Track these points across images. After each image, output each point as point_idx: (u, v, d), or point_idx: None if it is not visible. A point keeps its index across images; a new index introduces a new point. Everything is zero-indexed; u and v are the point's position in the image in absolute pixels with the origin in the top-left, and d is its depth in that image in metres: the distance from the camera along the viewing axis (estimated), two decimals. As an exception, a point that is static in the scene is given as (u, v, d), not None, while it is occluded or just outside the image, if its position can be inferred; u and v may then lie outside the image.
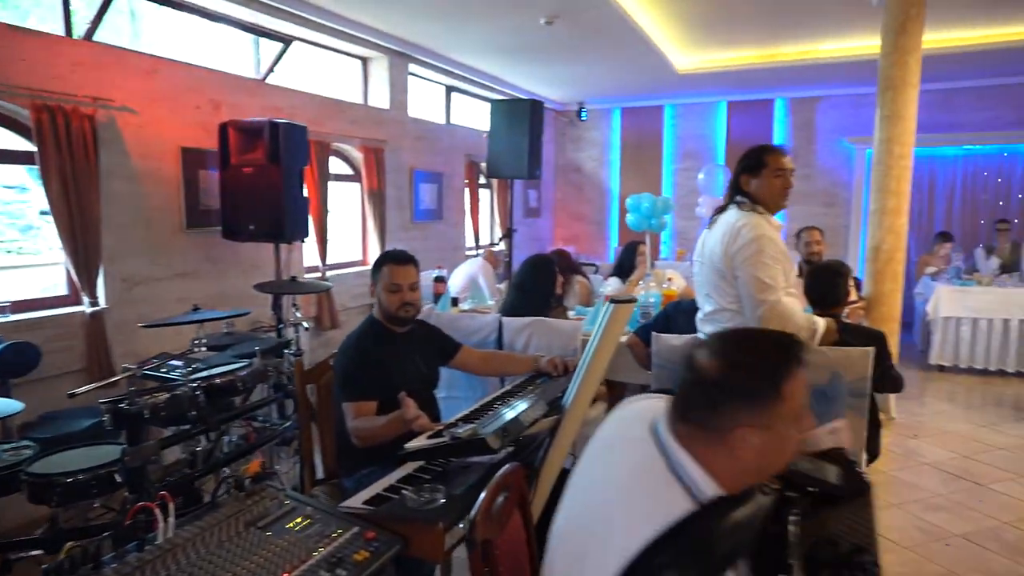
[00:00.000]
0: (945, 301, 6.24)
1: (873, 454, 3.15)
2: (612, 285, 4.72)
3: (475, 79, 7.44)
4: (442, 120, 7.55)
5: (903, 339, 7.56)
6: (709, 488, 1.06)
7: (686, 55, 7.10)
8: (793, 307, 2.42)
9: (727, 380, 1.10)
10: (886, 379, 2.93)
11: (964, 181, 7.98)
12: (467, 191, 7.59)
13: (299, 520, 1.66)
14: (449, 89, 7.63)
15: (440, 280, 4.67)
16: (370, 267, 2.63)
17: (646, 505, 1.04)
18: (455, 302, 4.40)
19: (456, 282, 5.19)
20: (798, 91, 8.43)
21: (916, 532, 3.30)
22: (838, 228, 8.46)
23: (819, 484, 1.19)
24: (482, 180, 7.99)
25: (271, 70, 5.09)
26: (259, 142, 3.88)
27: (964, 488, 3.79)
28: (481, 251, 5.92)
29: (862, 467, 2.89)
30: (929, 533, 3.28)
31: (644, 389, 3.21)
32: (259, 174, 3.86)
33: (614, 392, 4.60)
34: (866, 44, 6.15)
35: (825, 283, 2.97)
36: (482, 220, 7.90)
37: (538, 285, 3.70)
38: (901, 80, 4.60)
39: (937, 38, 6.14)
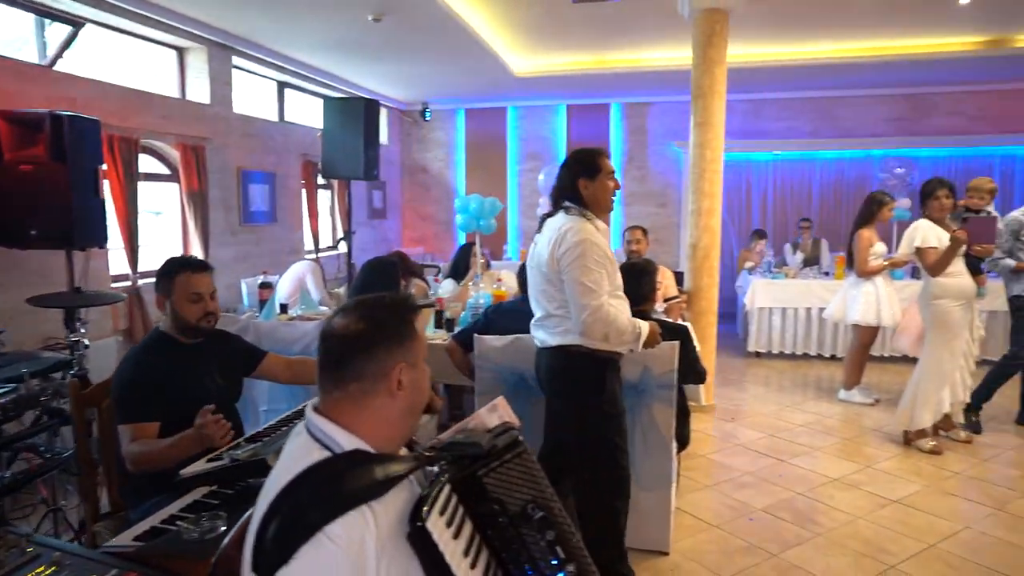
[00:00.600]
0: (759, 293, 6.83)
1: (683, 442, 3.35)
2: (446, 287, 4.69)
3: (310, 75, 7.15)
4: (275, 117, 7.17)
5: (728, 329, 8.22)
6: (349, 443, 1.15)
7: (523, 58, 7.25)
8: (617, 311, 2.44)
9: (375, 327, 1.22)
10: (690, 371, 3.12)
11: (774, 184, 8.79)
12: (304, 192, 7.27)
13: (42, 569, 1.46)
14: (282, 85, 7.27)
15: (266, 286, 4.41)
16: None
17: (290, 467, 1.11)
18: (284, 309, 4.17)
19: (284, 288, 4.93)
20: (631, 96, 8.88)
21: (725, 510, 3.54)
22: (671, 227, 9.03)
23: (470, 447, 1.23)
24: (322, 181, 7.69)
25: (59, 56, 4.55)
26: (39, 136, 3.44)
27: (768, 465, 4.13)
28: (312, 255, 5.63)
29: (672, 456, 3.05)
30: (736, 510, 3.53)
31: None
32: (40, 172, 3.43)
33: (454, 399, 4.59)
34: (682, 56, 6.57)
35: (631, 281, 3.10)
36: (322, 222, 7.61)
37: (378, 289, 3.54)
38: (710, 89, 4.95)
39: (744, 53, 6.70)
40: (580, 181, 2.51)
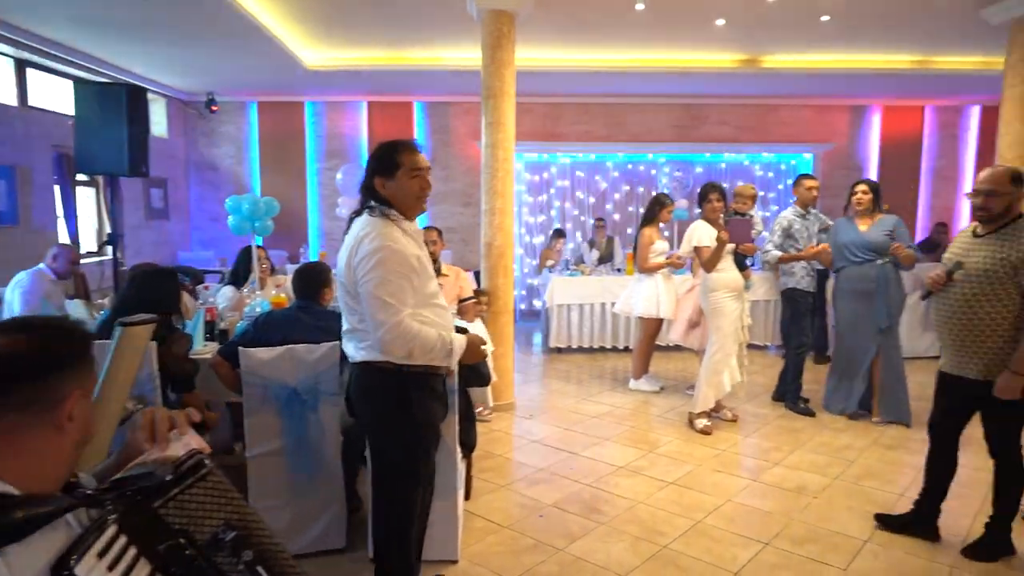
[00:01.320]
0: (558, 291, 7.07)
1: (469, 446, 3.29)
2: (224, 294, 4.27)
3: (58, 54, 6.21)
4: (14, 101, 6.15)
5: (532, 326, 8.48)
6: None
7: (315, 51, 6.88)
8: (423, 326, 2.19)
9: (49, 349, 1.06)
10: (473, 375, 3.07)
11: (573, 183, 9.19)
12: (57, 189, 6.32)
13: None
14: (21, 63, 6.24)
15: (-10, 301, 3.72)
16: None
17: None
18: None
19: (15, 300, 4.20)
20: (433, 95, 8.82)
21: (517, 509, 3.55)
22: (475, 227, 9.08)
23: (142, 479, 1.08)
24: (83, 176, 6.74)
25: None
26: None
27: (561, 459, 4.24)
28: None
29: (457, 463, 2.98)
30: (527, 508, 3.56)
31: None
32: None
33: (236, 416, 4.18)
34: (475, 56, 6.61)
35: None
36: (85, 224, 6.67)
37: (144, 302, 2.89)
38: (500, 90, 5.00)
39: (535, 56, 6.90)
40: (376, 180, 2.25)
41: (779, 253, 5.08)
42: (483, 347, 2.47)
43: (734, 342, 4.71)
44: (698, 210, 4.83)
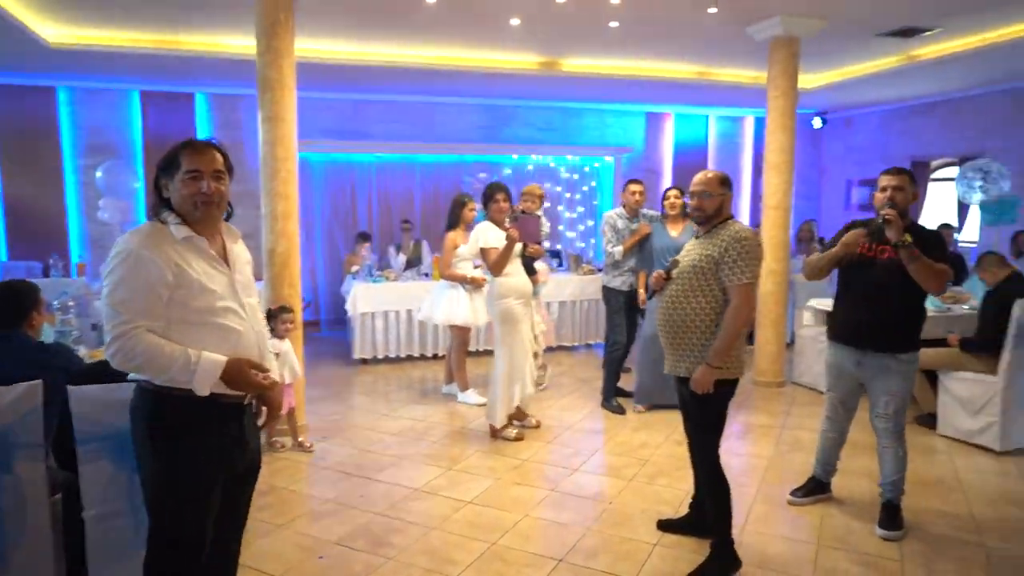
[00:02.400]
0: (361, 298, 6.65)
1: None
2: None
3: None
4: None
5: (340, 336, 7.96)
6: None
7: (57, 25, 5.85)
8: (158, 340, 1.84)
9: None
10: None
11: (379, 185, 8.78)
12: None
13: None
14: None
15: None
16: None
17: None
18: None
19: None
20: (219, 87, 7.98)
21: (294, 551, 3.14)
22: (274, 231, 8.37)
23: None
24: None
25: None
26: None
27: (352, 486, 3.87)
28: None
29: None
30: (306, 549, 3.16)
31: None
32: None
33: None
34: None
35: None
36: None
37: None
38: (278, 82, 4.51)
39: (322, 48, 6.42)
40: (161, 180, 2.01)
41: (621, 248, 5.09)
42: (275, 371, 2.12)
43: (526, 351, 4.62)
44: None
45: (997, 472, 4.08)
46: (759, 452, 4.43)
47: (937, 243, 3.18)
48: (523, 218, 4.59)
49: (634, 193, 5.19)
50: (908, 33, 5.95)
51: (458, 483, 3.90)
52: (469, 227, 5.69)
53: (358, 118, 8.62)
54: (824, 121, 10.38)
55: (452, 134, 8.95)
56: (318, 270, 8.59)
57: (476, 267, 5.35)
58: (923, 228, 3.29)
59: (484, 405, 5.21)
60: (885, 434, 3.32)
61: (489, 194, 4.54)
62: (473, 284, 5.29)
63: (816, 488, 3.66)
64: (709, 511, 2.96)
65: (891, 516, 3.31)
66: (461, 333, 5.44)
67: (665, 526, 3.32)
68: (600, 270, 6.95)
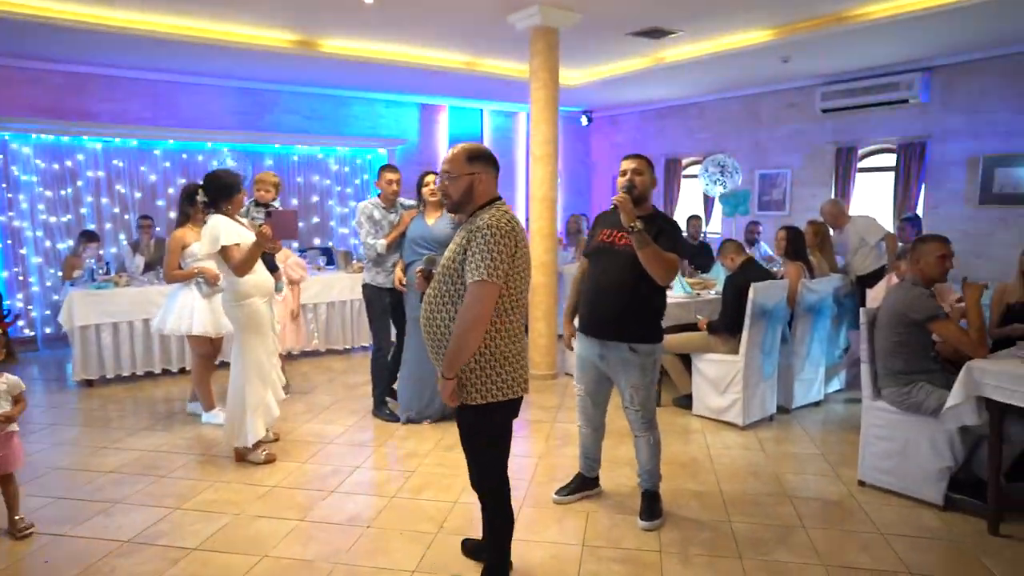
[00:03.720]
0: (79, 307, 5.53)
1: None
2: None
3: None
4: None
5: (65, 355, 6.63)
6: None
7: None
8: None
9: None
10: None
11: (112, 176, 7.48)
12: None
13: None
14: None
15: None
16: None
17: None
18: None
19: None
20: None
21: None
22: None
23: None
24: None
25: None
26: None
27: (38, 548, 3.03)
28: None
29: None
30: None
31: None
32: None
33: None
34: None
35: None
36: None
37: None
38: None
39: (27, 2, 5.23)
40: None
41: (384, 241, 4.59)
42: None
43: (273, 355, 4.08)
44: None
45: (741, 446, 4.34)
46: (530, 450, 4.30)
47: (672, 232, 3.15)
48: (277, 212, 4.01)
49: (390, 182, 4.76)
50: (656, 34, 6.26)
51: (184, 526, 3.24)
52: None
53: (79, 95, 7.27)
54: (590, 119, 10.88)
55: (202, 118, 7.92)
56: (31, 277, 7.10)
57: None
58: (663, 216, 3.27)
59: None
60: (636, 425, 3.28)
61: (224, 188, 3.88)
62: (208, 280, 4.57)
63: (582, 484, 3.57)
64: (489, 541, 2.59)
65: (650, 505, 3.30)
66: (200, 344, 4.68)
67: (471, 551, 2.95)
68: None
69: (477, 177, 2.39)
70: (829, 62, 7.04)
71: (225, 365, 5.93)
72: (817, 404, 5.18)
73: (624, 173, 3.17)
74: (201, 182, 3.96)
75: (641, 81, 8.12)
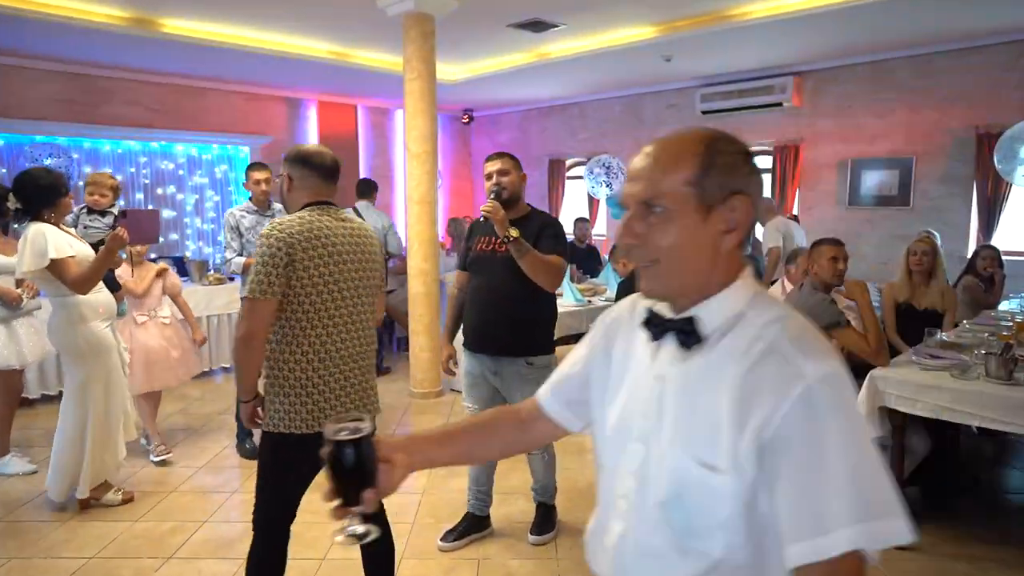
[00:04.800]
0: None
1: None
2: None
3: None
4: None
5: None
6: None
7: None
8: None
9: None
10: None
11: None
12: None
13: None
14: None
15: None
16: None
17: None
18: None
19: None
20: None
21: None
22: None
23: None
24: None
25: None
26: None
27: None
28: None
29: None
30: None
31: None
32: None
33: None
34: None
35: None
36: None
37: None
38: None
39: None
40: None
41: (243, 259, 3.92)
42: None
43: (124, 390, 3.50)
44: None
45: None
46: (411, 484, 3.80)
47: (552, 231, 2.86)
48: (135, 212, 3.36)
49: (258, 182, 4.14)
50: (537, 27, 5.95)
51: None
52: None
53: None
54: (471, 119, 10.49)
55: (17, 107, 6.76)
56: None
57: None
58: (540, 214, 2.96)
59: (33, 474, 3.81)
60: None
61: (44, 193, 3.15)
62: (7, 302, 3.74)
63: (472, 526, 3.14)
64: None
65: (543, 519, 3.16)
66: (6, 378, 3.84)
67: None
68: (232, 278, 5.80)
69: (297, 176, 2.21)
70: (709, 63, 7.04)
71: (38, 402, 5.03)
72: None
73: (490, 176, 2.85)
74: (10, 185, 3.25)
75: (523, 78, 7.82)
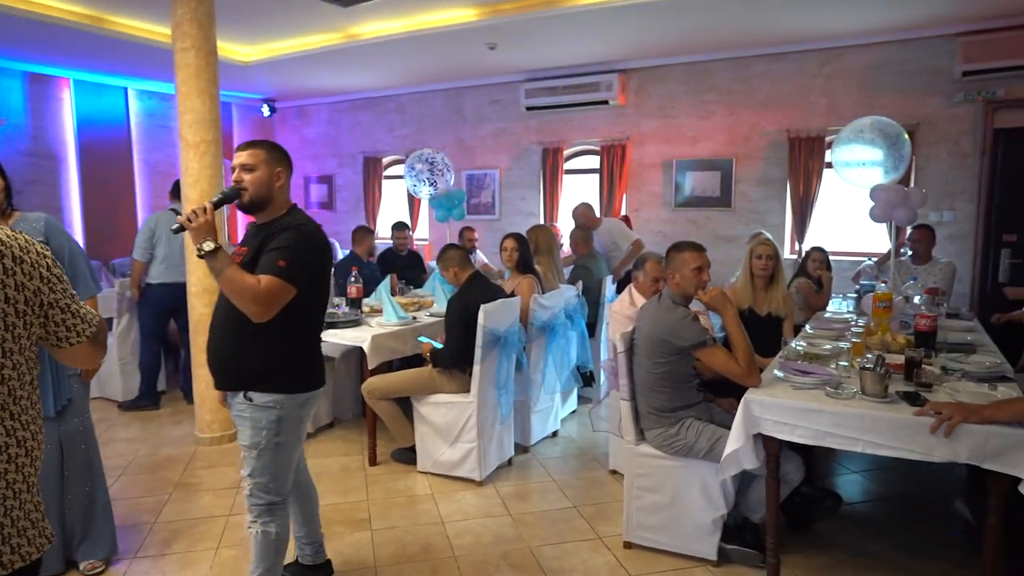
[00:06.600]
0: None
1: None
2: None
3: None
4: None
5: None
6: None
7: None
8: None
9: None
10: None
11: None
12: None
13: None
14: None
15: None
16: None
17: None
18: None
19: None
20: None
21: None
22: None
23: None
24: None
25: None
26: None
27: None
28: None
29: None
30: None
31: None
32: None
33: None
34: None
35: None
36: None
37: None
38: None
39: None
40: None
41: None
42: None
43: None
44: None
45: (483, 511, 3.43)
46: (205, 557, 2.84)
47: (279, 245, 2.15)
48: None
49: None
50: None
51: None
52: None
53: None
54: (273, 110, 9.30)
55: None
56: None
57: None
58: (284, 221, 2.25)
59: None
60: (247, 505, 2.31)
61: None
62: None
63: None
64: None
65: None
66: None
67: None
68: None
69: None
70: (534, 55, 6.62)
71: None
72: (554, 435, 4.55)
73: (234, 170, 2.23)
74: None
75: (332, 63, 6.91)
